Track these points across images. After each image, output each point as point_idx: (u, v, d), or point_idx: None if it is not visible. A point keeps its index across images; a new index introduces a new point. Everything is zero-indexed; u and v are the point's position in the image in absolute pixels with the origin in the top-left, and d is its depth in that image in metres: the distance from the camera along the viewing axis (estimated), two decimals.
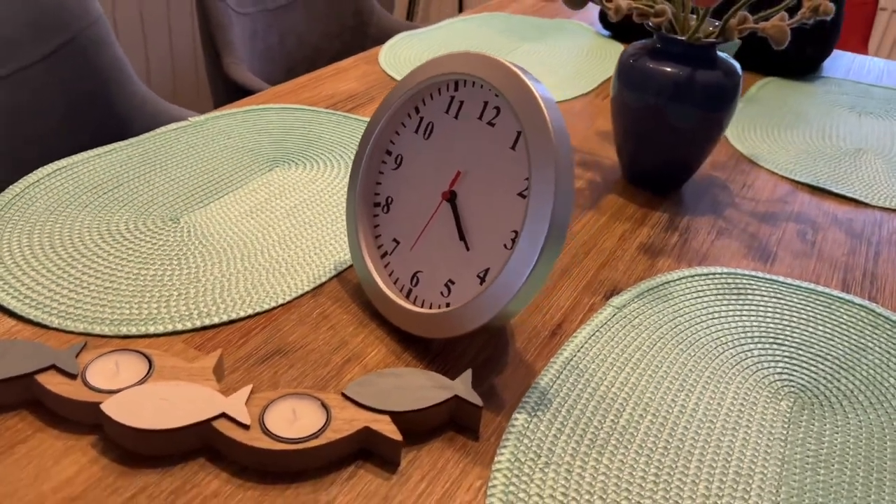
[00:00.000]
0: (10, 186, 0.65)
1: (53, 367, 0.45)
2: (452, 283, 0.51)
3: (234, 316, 0.53)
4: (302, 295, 0.56)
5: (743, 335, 0.56)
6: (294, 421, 0.43)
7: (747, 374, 0.52)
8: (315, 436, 0.42)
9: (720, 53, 0.71)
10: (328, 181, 0.72)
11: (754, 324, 0.58)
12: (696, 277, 0.62)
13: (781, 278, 0.63)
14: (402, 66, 1.02)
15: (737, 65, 0.71)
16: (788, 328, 0.57)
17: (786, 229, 0.72)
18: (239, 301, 0.54)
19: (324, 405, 0.44)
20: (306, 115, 0.85)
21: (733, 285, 0.62)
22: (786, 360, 0.54)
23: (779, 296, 0.61)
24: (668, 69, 0.69)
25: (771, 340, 0.56)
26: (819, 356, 0.55)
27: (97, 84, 0.98)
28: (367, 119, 0.85)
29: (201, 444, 0.43)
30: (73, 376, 0.44)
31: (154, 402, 0.43)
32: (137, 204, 0.65)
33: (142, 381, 0.44)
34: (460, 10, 2.97)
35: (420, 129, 0.55)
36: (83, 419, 0.43)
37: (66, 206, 0.63)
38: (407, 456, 0.44)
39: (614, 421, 0.47)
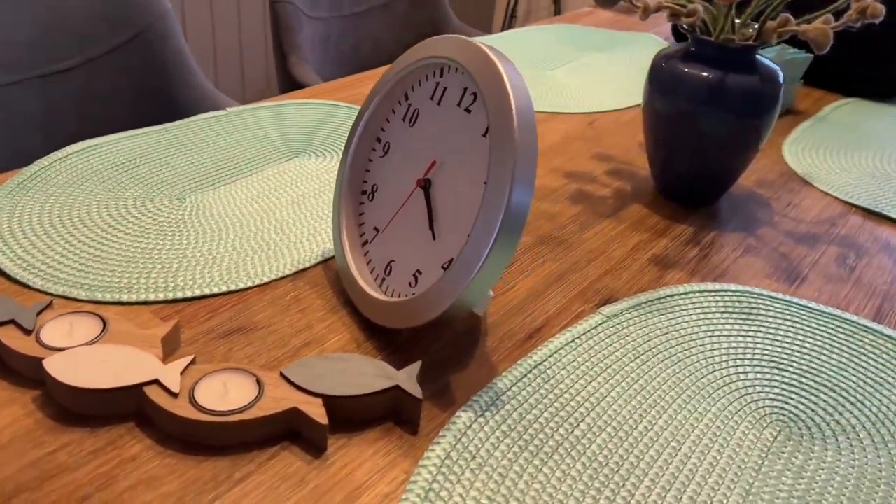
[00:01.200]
0: (40, 159, 0.68)
1: (13, 321, 0.46)
2: (420, 273, 0.49)
3: (206, 292, 0.53)
4: (281, 278, 0.56)
5: (741, 356, 0.51)
6: (224, 395, 0.42)
7: (733, 396, 0.48)
8: (239, 411, 0.41)
9: (762, 58, 0.67)
10: None
11: (758, 345, 0.52)
12: (705, 293, 0.58)
13: (803, 301, 0.57)
14: None
15: (778, 71, 0.66)
16: (797, 353, 0.52)
17: (825, 252, 0.65)
18: (217, 278, 0.54)
19: (258, 382, 0.43)
20: (342, 111, 0.85)
21: (745, 304, 0.57)
22: (783, 386, 0.49)
23: (795, 319, 0.56)
24: (701, 73, 0.65)
25: (772, 365, 0.51)
26: (824, 385, 0.49)
27: (161, 76, 1.02)
28: None
29: (133, 408, 0.43)
30: (28, 332, 0.45)
31: (94, 363, 0.43)
32: (152, 183, 0.66)
33: (91, 343, 0.45)
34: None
35: (407, 116, 0.54)
36: (30, 374, 0.44)
37: (86, 180, 0.66)
38: (336, 442, 0.42)
39: (567, 430, 0.44)
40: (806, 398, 0.48)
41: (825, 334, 0.54)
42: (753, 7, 0.64)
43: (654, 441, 0.44)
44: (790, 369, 0.51)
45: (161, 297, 0.52)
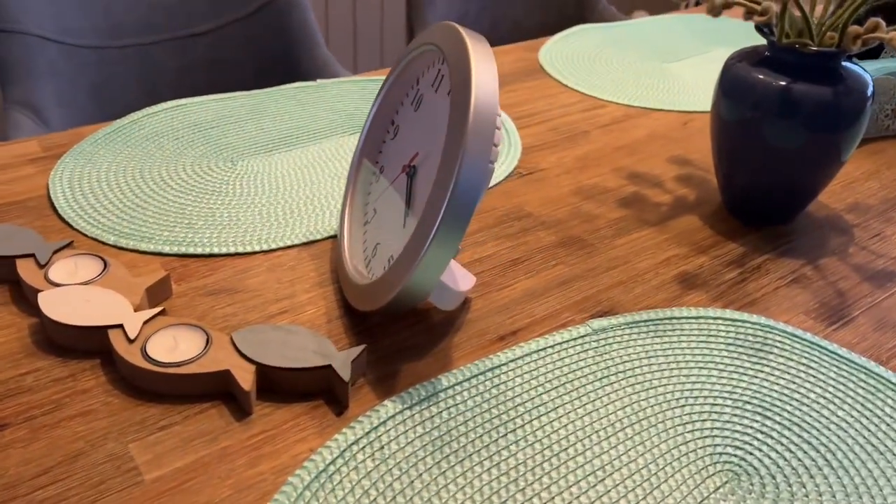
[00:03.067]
0: (133, 113, 0.76)
1: (33, 255, 0.52)
2: (392, 258, 0.49)
3: (214, 251, 0.57)
4: (290, 246, 0.58)
5: (723, 395, 0.47)
6: (174, 348, 0.45)
7: (686, 437, 0.44)
8: (177, 364, 0.44)
9: (851, 68, 0.59)
10: None
11: (750, 387, 0.47)
12: (717, 321, 0.53)
13: (832, 346, 0.51)
14: (557, 59, 0.98)
15: (867, 83, 0.58)
16: (794, 402, 0.46)
17: (892, 296, 0.57)
18: (230, 239, 0.58)
19: (208, 342, 0.46)
20: None
21: (759, 339, 0.51)
22: (757, 435, 0.44)
23: (811, 364, 0.49)
24: (771, 79, 0.59)
25: (757, 410, 0.46)
26: (808, 444, 0.44)
27: (286, 45, 1.08)
28: None
29: (99, 347, 0.47)
30: (41, 266, 0.51)
31: (78, 302, 0.48)
32: (216, 145, 0.71)
33: (85, 283, 0.50)
34: None
35: (414, 101, 0.54)
36: (34, 303, 0.50)
37: (161, 137, 0.72)
38: (263, 409, 0.44)
39: (488, 440, 0.43)
40: (777, 453, 0.43)
41: (841, 386, 0.48)
42: (843, 11, 0.56)
43: (573, 469, 0.41)
44: (777, 418, 0.45)
45: (174, 250, 0.57)
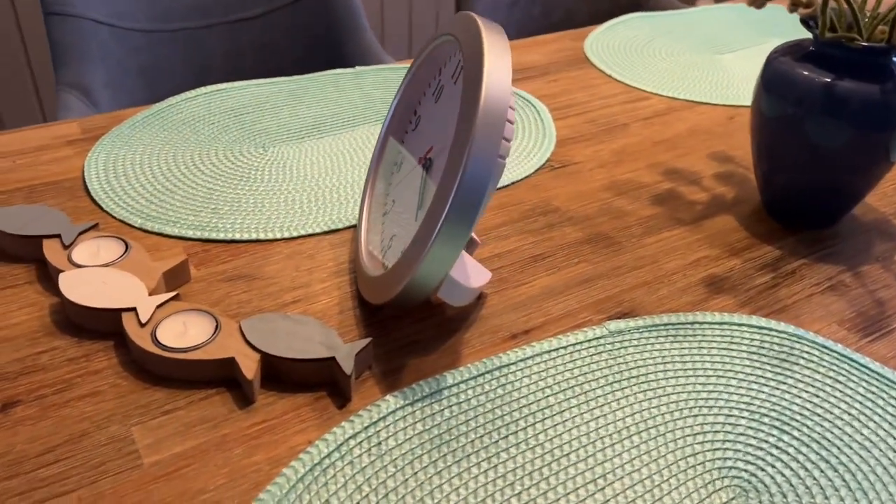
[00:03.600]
0: (173, 96, 0.77)
1: (59, 236, 0.53)
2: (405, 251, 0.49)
3: (236, 237, 0.57)
4: (311, 235, 0.58)
5: (733, 405, 0.45)
6: (183, 333, 0.46)
7: (696, 448, 0.42)
8: (184, 350, 0.44)
9: None
10: None
11: (767, 398, 0.45)
12: (742, 328, 0.50)
13: (864, 359, 0.48)
14: (604, 49, 0.96)
15: None
16: (816, 417, 0.44)
17: None
18: (252, 226, 0.58)
19: (217, 329, 0.46)
20: None
21: (784, 349, 0.49)
22: (772, 450, 0.42)
23: (839, 376, 0.47)
24: (815, 75, 0.55)
25: (775, 424, 0.43)
26: (827, 462, 0.41)
27: (333, 31, 1.08)
28: (517, 91, 0.82)
29: (115, 328, 0.48)
30: (66, 247, 0.53)
31: (96, 284, 0.49)
32: (250, 131, 0.72)
33: (105, 265, 0.51)
34: None
35: (435, 91, 0.53)
36: (56, 283, 0.51)
37: (198, 122, 0.73)
38: (267, 398, 0.44)
39: (487, 442, 0.42)
40: (791, 471, 0.41)
41: (870, 402, 0.45)
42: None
43: (572, 476, 0.40)
44: (795, 433, 0.43)
45: (197, 234, 0.57)
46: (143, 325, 0.46)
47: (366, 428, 0.42)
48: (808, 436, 0.43)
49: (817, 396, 0.46)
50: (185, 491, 0.39)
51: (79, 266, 0.51)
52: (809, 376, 0.47)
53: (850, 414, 0.44)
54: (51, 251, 0.52)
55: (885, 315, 0.53)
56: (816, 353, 0.49)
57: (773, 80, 0.58)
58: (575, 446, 0.42)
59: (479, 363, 0.47)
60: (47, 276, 0.53)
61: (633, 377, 0.46)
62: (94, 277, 0.49)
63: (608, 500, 0.39)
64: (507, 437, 0.42)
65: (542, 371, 0.47)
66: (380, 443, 0.41)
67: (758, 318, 0.51)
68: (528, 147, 0.71)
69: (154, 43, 1.01)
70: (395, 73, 0.85)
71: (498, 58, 0.43)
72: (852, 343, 0.50)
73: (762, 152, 0.61)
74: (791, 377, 0.47)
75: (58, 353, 0.47)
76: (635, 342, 0.49)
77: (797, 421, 0.44)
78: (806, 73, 0.56)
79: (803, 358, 0.48)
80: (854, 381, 0.47)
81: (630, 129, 0.76)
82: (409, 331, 0.49)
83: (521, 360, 0.47)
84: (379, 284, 0.47)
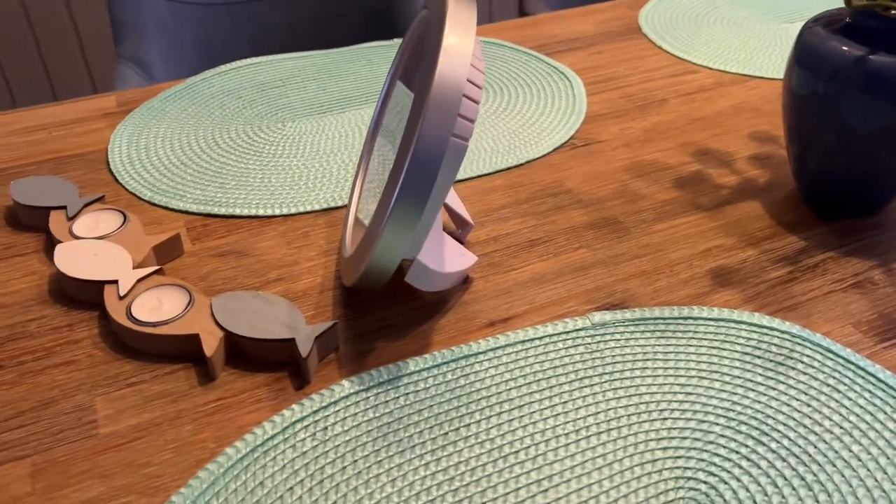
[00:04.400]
0: (206, 70, 0.78)
1: (65, 208, 0.56)
2: None
3: (235, 212, 0.58)
4: (309, 212, 0.58)
5: (709, 410, 0.41)
6: (158, 308, 0.47)
7: (657, 454, 0.39)
8: (152, 325, 0.45)
9: None
10: None
11: (750, 405, 0.41)
12: (739, 325, 0.46)
13: (875, 367, 0.43)
14: (659, 18, 0.90)
15: None
16: (799, 426, 0.40)
17: None
18: (254, 202, 0.59)
19: (189, 305, 0.47)
20: (502, 51, 0.82)
21: (784, 351, 0.44)
22: (744, 461, 0.38)
23: (837, 385, 0.42)
24: (847, 48, 0.50)
25: (751, 434, 0.40)
26: (806, 474, 0.38)
27: (387, 1, 1.07)
28: (554, 63, 0.78)
29: (100, 300, 0.49)
30: (70, 219, 0.54)
31: (87, 256, 0.50)
32: (274, 105, 0.72)
33: (100, 237, 0.53)
34: None
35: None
36: None
37: (226, 96, 0.74)
38: (229, 376, 0.44)
39: (433, 434, 0.40)
40: (758, 486, 0.37)
41: (868, 416, 0.41)
42: None
43: (517, 474, 0.38)
44: (773, 444, 0.39)
45: (199, 209, 0.58)
46: (121, 298, 0.47)
47: (314, 412, 0.42)
48: (788, 449, 0.39)
49: (808, 406, 0.42)
50: (131, 463, 0.40)
51: (77, 238, 0.53)
52: (805, 383, 0.43)
53: (841, 427, 0.40)
54: (55, 222, 0.54)
55: None
56: (819, 357, 0.44)
57: (804, 53, 0.53)
58: (526, 444, 0.40)
59: (446, 350, 0.45)
60: (52, 247, 0.55)
61: (605, 374, 0.44)
62: (88, 250, 0.51)
63: (549, 503, 0.37)
64: (457, 429, 0.41)
65: (511, 363, 0.45)
66: (326, 428, 0.41)
67: (760, 315, 0.47)
68: (551, 124, 0.68)
69: (210, 16, 1.03)
70: None
71: (459, 31, 0.41)
72: (865, 348, 0.45)
73: (793, 134, 0.56)
74: (784, 383, 0.43)
75: (45, 322, 0.49)
76: (618, 336, 0.46)
77: (778, 432, 0.40)
78: (838, 45, 0.50)
79: (802, 362, 0.44)
80: (855, 391, 0.42)
81: (667, 106, 0.71)
82: (384, 314, 0.49)
83: (491, 350, 0.45)
84: (348, 265, 0.47)
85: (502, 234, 0.55)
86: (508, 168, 0.63)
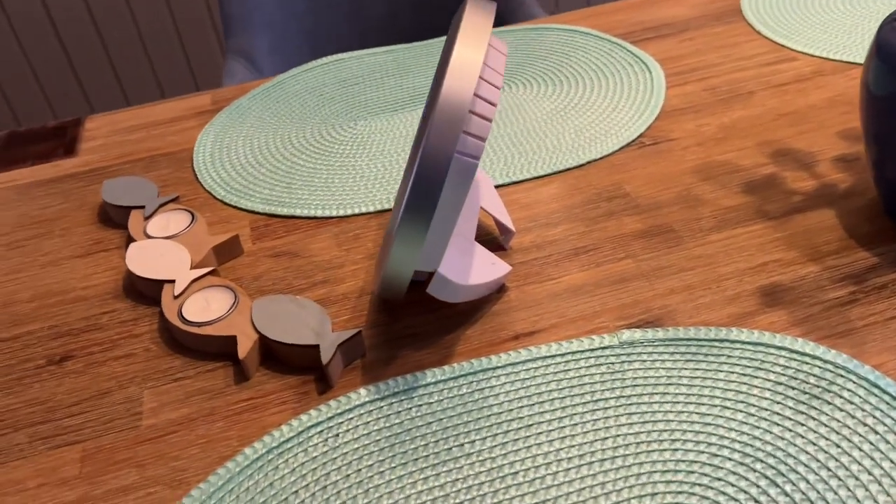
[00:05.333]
0: (295, 68, 0.81)
1: (143, 207, 0.60)
2: None
3: (296, 212, 0.60)
4: (363, 214, 0.59)
5: (725, 444, 0.39)
6: (205, 308, 0.50)
7: (657, 487, 0.38)
8: (197, 325, 0.49)
9: None
10: (531, 100, 0.68)
11: (773, 441, 0.39)
12: (780, 352, 0.43)
13: None
14: (763, 1, 0.83)
15: None
16: (822, 468, 0.37)
17: None
18: (316, 202, 0.61)
19: (233, 306, 0.50)
20: (583, 38, 0.79)
21: (823, 383, 0.41)
22: (744, 501, 0.36)
23: (876, 426, 0.39)
24: None
25: (765, 474, 0.37)
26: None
27: None
28: (637, 53, 0.75)
29: (161, 297, 0.54)
30: (146, 218, 0.59)
31: (153, 255, 0.55)
32: (351, 103, 0.74)
33: (167, 237, 0.57)
34: None
35: None
36: None
37: (308, 94, 0.77)
38: (262, 377, 0.47)
39: (437, 449, 0.41)
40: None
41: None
42: None
43: (512, 496, 0.38)
44: (788, 487, 0.37)
45: (264, 208, 0.61)
46: (176, 297, 0.51)
47: (329, 418, 0.44)
48: (803, 493, 0.37)
49: (838, 447, 0.38)
50: (163, 455, 0.43)
51: (149, 237, 0.57)
52: (840, 420, 0.40)
53: (871, 474, 0.37)
54: (133, 221, 0.59)
55: None
56: (862, 392, 0.41)
57: (882, 49, 0.48)
58: (527, 465, 0.40)
59: (465, 363, 0.46)
60: (129, 245, 0.60)
61: (623, 397, 0.42)
62: (156, 249, 0.55)
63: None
64: (461, 445, 0.41)
65: (528, 379, 0.44)
66: (338, 435, 0.43)
67: (805, 341, 0.44)
68: (622, 120, 0.66)
69: (314, 7, 1.06)
70: (513, 35, 0.82)
71: (471, 44, 0.40)
72: None
73: (870, 137, 0.51)
74: (815, 419, 0.40)
75: (115, 315, 0.54)
76: (644, 357, 0.45)
77: (797, 473, 0.38)
78: None
79: (841, 397, 0.41)
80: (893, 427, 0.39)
81: (754, 99, 0.67)
82: (412, 321, 0.49)
83: (511, 365, 0.45)
84: (375, 274, 0.48)
85: (547, 240, 0.54)
86: (567, 169, 0.61)
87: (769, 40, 0.75)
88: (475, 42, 0.41)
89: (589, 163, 0.62)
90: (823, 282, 0.48)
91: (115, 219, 0.63)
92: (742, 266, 0.50)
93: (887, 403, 0.40)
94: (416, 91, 0.74)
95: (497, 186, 0.61)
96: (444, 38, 0.83)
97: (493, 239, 0.55)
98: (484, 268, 0.49)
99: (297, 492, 0.40)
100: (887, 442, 0.38)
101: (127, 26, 1.76)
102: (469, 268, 0.48)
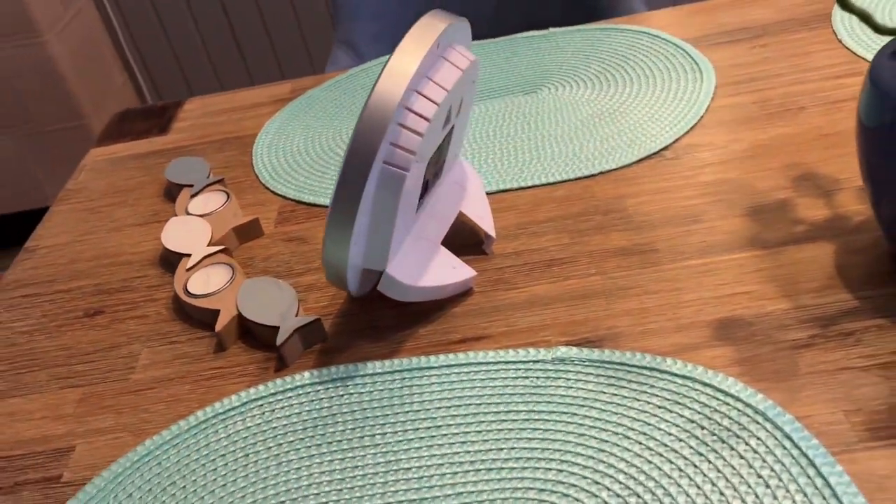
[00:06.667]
0: (354, 67, 0.86)
1: (192, 186, 0.68)
2: None
3: (318, 201, 0.65)
4: None
5: (598, 479, 0.39)
6: (205, 282, 0.56)
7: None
8: (193, 296, 0.55)
9: None
10: (571, 103, 0.68)
11: (657, 476, 0.38)
12: (704, 388, 0.42)
13: (835, 469, 0.36)
14: (864, 4, 0.75)
15: None
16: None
17: None
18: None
19: (228, 283, 0.55)
20: (649, 40, 0.76)
21: (731, 424, 0.39)
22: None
23: (773, 472, 0.37)
24: None
25: (654, 496, 0.37)
26: None
27: None
28: (697, 59, 0.71)
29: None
30: (192, 196, 0.67)
31: (182, 230, 0.62)
32: None
33: (203, 215, 0.64)
34: None
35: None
36: None
37: (367, 90, 0.81)
38: (237, 349, 0.53)
39: (325, 440, 0.44)
40: None
41: None
42: None
43: (393, 492, 0.41)
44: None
45: (294, 195, 0.67)
46: (188, 270, 0.58)
47: (272, 394, 0.48)
48: None
49: (721, 494, 0.37)
50: (136, 407, 0.50)
51: (189, 213, 0.65)
52: (734, 467, 0.38)
53: None
54: (181, 198, 0.67)
55: None
56: (771, 442, 0.39)
57: (875, 77, 0.43)
58: (421, 464, 0.42)
59: (406, 360, 0.48)
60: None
61: (533, 412, 0.43)
62: (186, 225, 0.63)
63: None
64: (373, 435, 0.44)
65: (455, 382, 0.46)
66: (273, 410, 0.47)
67: (735, 381, 0.42)
68: (653, 131, 0.64)
69: None
70: (583, 35, 0.81)
71: (408, 53, 0.43)
72: (842, 443, 0.38)
73: (865, 174, 0.46)
74: (712, 462, 0.39)
75: (145, 280, 0.61)
76: (570, 376, 0.45)
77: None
78: None
79: (748, 444, 0.39)
80: (786, 492, 0.36)
81: (801, 116, 0.62)
82: (378, 314, 0.53)
83: (445, 367, 0.47)
84: None
85: (528, 249, 0.55)
86: (579, 178, 0.61)
87: (848, 50, 0.69)
88: (410, 57, 0.43)
89: (600, 173, 0.61)
90: (788, 321, 0.45)
91: (173, 194, 0.71)
92: (707, 295, 0.48)
93: (792, 457, 0.38)
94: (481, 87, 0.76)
95: (505, 191, 0.62)
96: (511, 37, 0.84)
97: (481, 242, 0.57)
98: (442, 271, 0.51)
99: (224, 455, 0.45)
100: (774, 497, 0.36)
101: (251, 12, 1.90)
102: (425, 270, 0.51)
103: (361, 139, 0.42)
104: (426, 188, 0.51)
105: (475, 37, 0.86)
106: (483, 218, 0.55)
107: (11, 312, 0.61)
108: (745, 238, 0.52)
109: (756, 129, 0.62)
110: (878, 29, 0.39)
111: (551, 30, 0.84)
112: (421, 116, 0.43)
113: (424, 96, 0.44)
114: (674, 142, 0.63)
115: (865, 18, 0.39)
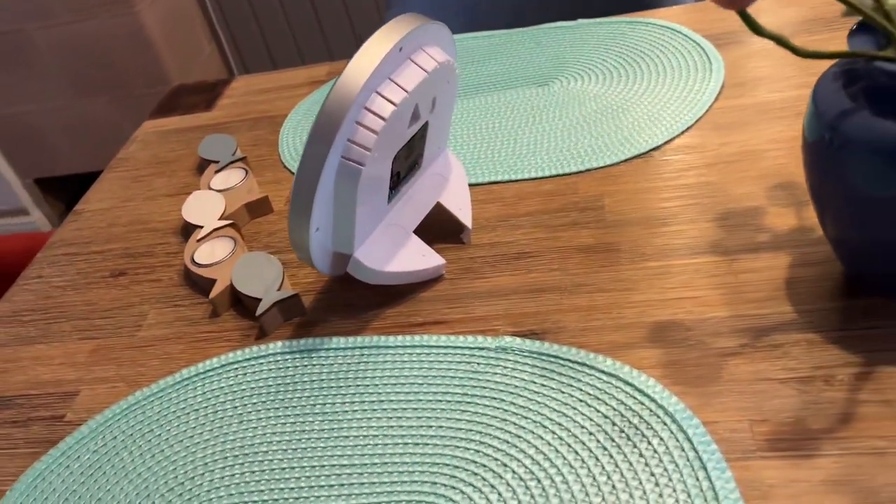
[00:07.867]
0: None
1: (218, 162, 0.74)
2: None
3: None
4: None
5: (522, 459, 0.42)
6: (210, 253, 0.62)
7: (414, 476, 0.42)
8: (197, 266, 0.61)
9: None
10: (576, 98, 0.70)
11: (572, 458, 0.41)
12: (624, 386, 0.44)
13: (725, 477, 0.38)
14: None
15: None
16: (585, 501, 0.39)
17: None
18: None
19: (229, 255, 0.61)
20: (671, 35, 0.76)
21: (640, 424, 0.41)
22: None
23: (665, 470, 0.39)
24: (846, 96, 0.41)
25: (553, 483, 0.40)
26: None
27: None
28: (714, 56, 0.71)
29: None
30: (216, 172, 0.72)
31: (200, 203, 0.68)
32: None
33: (221, 191, 0.69)
34: None
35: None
36: None
37: None
38: (229, 315, 0.58)
39: (289, 405, 0.49)
40: None
41: None
42: None
43: (281, 467, 0.45)
44: None
45: None
46: (198, 241, 0.64)
47: (246, 360, 0.53)
48: None
49: (613, 487, 0.40)
50: (135, 361, 0.56)
51: (210, 188, 0.71)
52: (632, 462, 0.40)
53: None
54: (207, 173, 0.73)
55: (830, 433, 0.39)
56: (672, 443, 0.41)
57: (817, 93, 0.44)
58: (357, 433, 0.46)
59: (367, 337, 0.52)
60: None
61: (466, 395, 0.47)
62: (204, 198, 0.68)
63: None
64: (323, 404, 0.49)
65: (406, 362, 0.50)
66: (245, 374, 0.52)
67: (656, 382, 0.44)
68: (649, 129, 0.65)
69: None
70: (611, 27, 0.81)
71: (371, 51, 0.46)
72: (739, 452, 0.40)
73: (808, 189, 0.46)
74: (612, 456, 0.41)
75: (166, 247, 0.68)
76: (509, 364, 0.48)
77: (563, 498, 0.40)
78: (840, 91, 0.41)
79: (650, 442, 0.41)
80: (672, 492, 0.39)
81: (798, 121, 0.61)
82: (354, 294, 0.57)
83: (400, 347, 0.51)
84: None
85: (501, 241, 0.58)
86: (566, 174, 0.63)
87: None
88: (368, 59, 0.46)
89: (587, 170, 0.63)
90: (722, 329, 0.47)
91: (202, 169, 0.77)
92: (654, 297, 0.50)
93: (687, 460, 0.40)
94: (490, 79, 0.79)
95: (495, 183, 0.64)
96: (540, 26, 0.86)
97: (460, 231, 0.60)
98: (411, 257, 0.55)
99: (197, 410, 0.51)
100: (660, 495, 0.39)
101: None
102: (394, 256, 0.54)
103: (318, 134, 0.46)
104: (398, 179, 0.55)
105: (518, 25, 0.88)
106: (461, 209, 0.58)
107: (52, 268, 0.69)
108: (707, 243, 0.53)
109: (750, 132, 0.62)
110: (797, 52, 0.40)
111: (579, 21, 0.85)
112: (378, 116, 0.47)
113: (383, 97, 0.47)
114: (666, 142, 0.63)
115: (782, 43, 0.39)
